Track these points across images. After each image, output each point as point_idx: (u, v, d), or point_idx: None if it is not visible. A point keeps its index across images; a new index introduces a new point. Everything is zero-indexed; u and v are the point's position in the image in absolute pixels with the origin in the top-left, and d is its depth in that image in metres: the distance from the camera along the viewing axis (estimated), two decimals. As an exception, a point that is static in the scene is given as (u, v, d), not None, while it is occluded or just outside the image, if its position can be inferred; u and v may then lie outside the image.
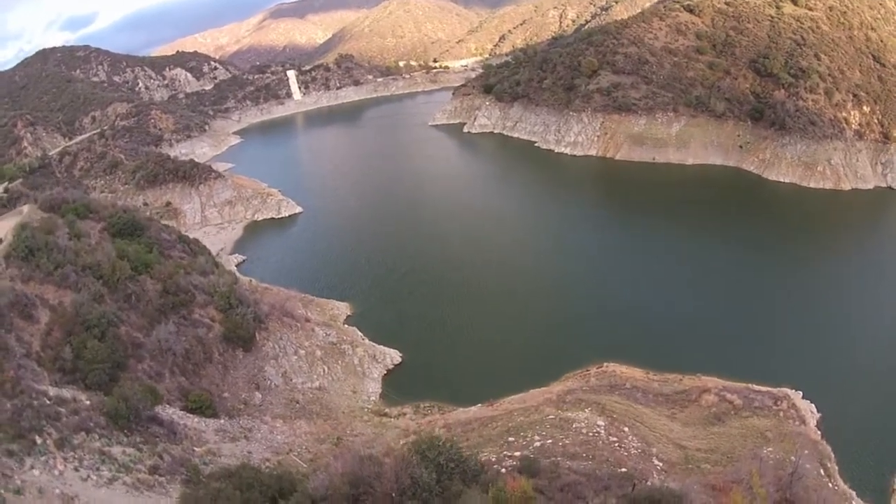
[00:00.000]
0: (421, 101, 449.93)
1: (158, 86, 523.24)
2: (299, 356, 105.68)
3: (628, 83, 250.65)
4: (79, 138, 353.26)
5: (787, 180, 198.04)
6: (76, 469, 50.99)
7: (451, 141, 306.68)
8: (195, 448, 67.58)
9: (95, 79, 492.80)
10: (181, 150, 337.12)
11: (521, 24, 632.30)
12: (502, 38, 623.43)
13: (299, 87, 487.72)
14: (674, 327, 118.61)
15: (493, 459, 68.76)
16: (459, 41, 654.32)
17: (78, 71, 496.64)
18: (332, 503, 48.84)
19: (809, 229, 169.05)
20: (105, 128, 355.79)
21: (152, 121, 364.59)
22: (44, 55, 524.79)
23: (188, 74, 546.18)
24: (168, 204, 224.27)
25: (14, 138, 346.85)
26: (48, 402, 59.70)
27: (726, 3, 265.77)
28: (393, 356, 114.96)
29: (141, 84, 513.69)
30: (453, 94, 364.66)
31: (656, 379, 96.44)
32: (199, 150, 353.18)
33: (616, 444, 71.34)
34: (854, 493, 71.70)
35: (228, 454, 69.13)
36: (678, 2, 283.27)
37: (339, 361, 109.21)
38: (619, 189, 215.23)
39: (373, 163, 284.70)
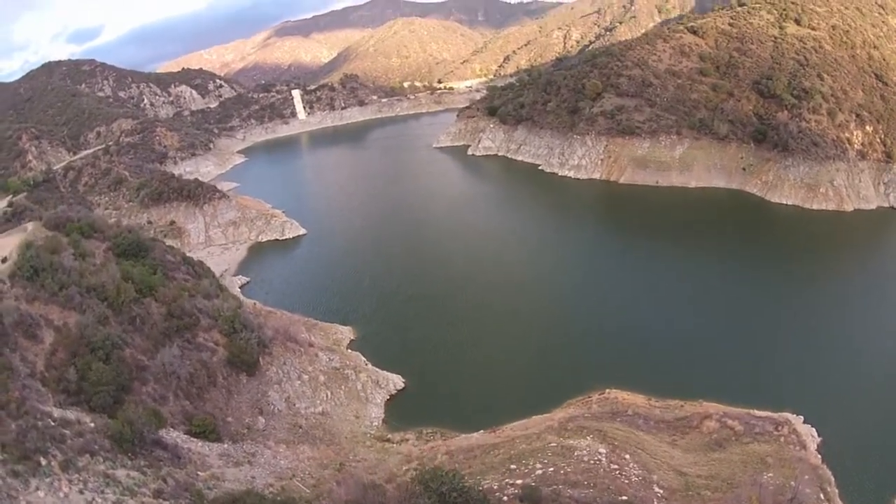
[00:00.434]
0: (425, 123, 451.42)
1: (164, 102, 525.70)
2: (303, 381, 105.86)
3: (632, 106, 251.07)
4: (83, 153, 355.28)
5: (789, 202, 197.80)
6: (81, 491, 51.00)
7: (456, 163, 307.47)
8: (199, 472, 67.74)
9: (101, 93, 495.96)
10: (186, 169, 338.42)
11: (526, 45, 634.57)
12: (507, 58, 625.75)
13: (304, 107, 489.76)
14: (676, 350, 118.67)
15: (496, 487, 69.07)
16: (464, 61, 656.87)
17: (83, 85, 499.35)
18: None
19: (812, 251, 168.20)
20: (110, 143, 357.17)
21: (157, 138, 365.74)
22: (49, 68, 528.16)
23: (193, 92, 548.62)
24: (172, 223, 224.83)
25: (19, 151, 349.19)
26: (53, 423, 59.84)
27: (730, 24, 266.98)
28: (396, 381, 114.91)
29: (146, 100, 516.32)
30: (458, 116, 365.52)
31: (658, 405, 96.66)
32: (203, 168, 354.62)
33: (617, 472, 71.52)
34: (855, 516, 72.33)
35: (232, 479, 69.29)
36: (682, 23, 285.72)
37: (343, 386, 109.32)
38: (623, 212, 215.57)
39: (377, 184, 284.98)
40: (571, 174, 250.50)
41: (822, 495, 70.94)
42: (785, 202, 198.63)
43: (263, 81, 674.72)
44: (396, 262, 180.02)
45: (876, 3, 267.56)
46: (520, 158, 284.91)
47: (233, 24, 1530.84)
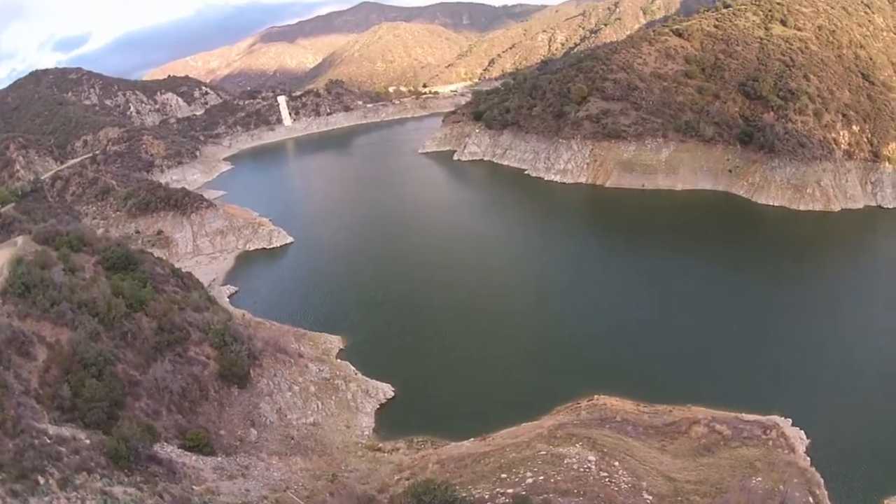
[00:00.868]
0: (411, 128, 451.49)
1: (150, 110, 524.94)
2: (293, 392, 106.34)
3: (618, 109, 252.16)
4: (70, 162, 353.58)
5: (776, 203, 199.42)
6: (79, 509, 51.76)
7: (441, 169, 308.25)
8: (194, 487, 68.20)
9: (87, 102, 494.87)
10: (172, 177, 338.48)
11: (511, 48, 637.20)
12: (492, 61, 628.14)
13: (290, 113, 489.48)
14: (664, 354, 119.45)
15: (487, 497, 69.69)
16: (449, 65, 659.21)
17: (70, 93, 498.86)
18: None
19: (799, 252, 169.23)
20: (97, 152, 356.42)
21: (144, 146, 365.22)
22: (36, 77, 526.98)
23: (179, 99, 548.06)
24: (160, 232, 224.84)
25: (6, 161, 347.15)
26: (49, 441, 60.19)
27: (715, 26, 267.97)
28: (385, 390, 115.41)
29: (132, 108, 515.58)
30: (443, 121, 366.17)
31: (646, 411, 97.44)
32: (190, 176, 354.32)
33: (607, 480, 72.20)
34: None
35: (227, 492, 69.80)
36: (667, 26, 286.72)
37: (333, 397, 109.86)
38: (609, 216, 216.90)
39: (363, 191, 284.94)
40: (558, 178, 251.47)
41: (811, 499, 71.81)
42: (772, 203, 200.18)
43: (249, 88, 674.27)
44: (384, 269, 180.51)
45: (862, 2, 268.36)
46: (506, 163, 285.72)
47: (218, 30, 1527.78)
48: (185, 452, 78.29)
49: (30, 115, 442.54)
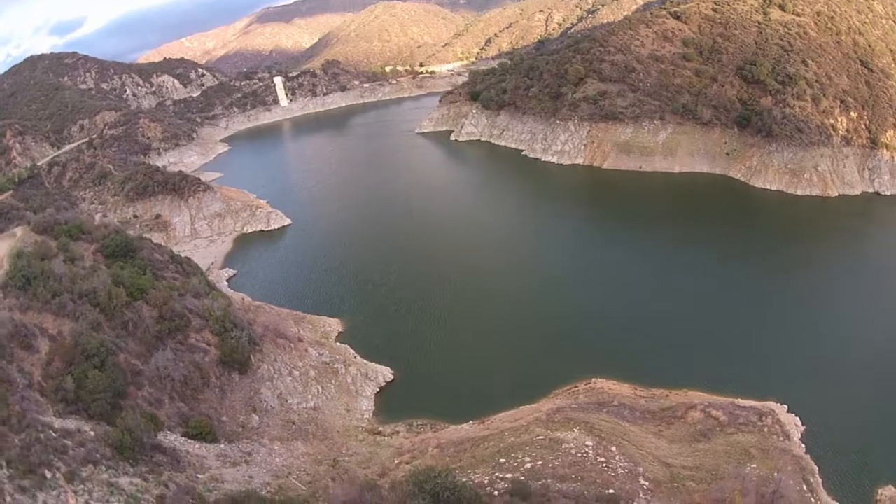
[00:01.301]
0: (407, 108, 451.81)
1: (146, 93, 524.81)
2: (294, 377, 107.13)
3: (615, 91, 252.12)
4: (67, 147, 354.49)
5: (773, 188, 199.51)
6: (87, 502, 52.50)
7: (439, 149, 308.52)
8: (198, 475, 69.08)
9: (83, 86, 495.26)
10: (169, 159, 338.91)
11: (507, 28, 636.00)
12: (488, 41, 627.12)
13: (286, 94, 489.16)
14: (661, 337, 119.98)
15: (486, 482, 70.69)
16: (445, 45, 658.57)
17: (66, 78, 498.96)
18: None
19: (797, 237, 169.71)
20: (94, 137, 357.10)
21: (140, 129, 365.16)
22: (32, 62, 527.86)
23: (175, 81, 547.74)
24: (158, 216, 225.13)
25: (3, 148, 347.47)
26: (54, 434, 60.86)
27: (713, 10, 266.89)
28: (385, 373, 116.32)
29: (129, 91, 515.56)
30: (440, 101, 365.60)
31: (643, 395, 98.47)
32: (187, 158, 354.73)
33: (604, 465, 73.28)
34: (837, 505, 74.14)
35: (230, 480, 70.69)
36: (665, 8, 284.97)
37: (333, 381, 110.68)
38: (606, 199, 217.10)
39: (360, 172, 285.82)
40: (555, 160, 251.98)
41: (804, 486, 72.91)
42: (769, 187, 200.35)
43: (245, 69, 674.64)
44: (381, 250, 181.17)
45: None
46: (503, 144, 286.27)
47: (214, 11, 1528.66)
48: (189, 440, 79.20)
49: (26, 101, 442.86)
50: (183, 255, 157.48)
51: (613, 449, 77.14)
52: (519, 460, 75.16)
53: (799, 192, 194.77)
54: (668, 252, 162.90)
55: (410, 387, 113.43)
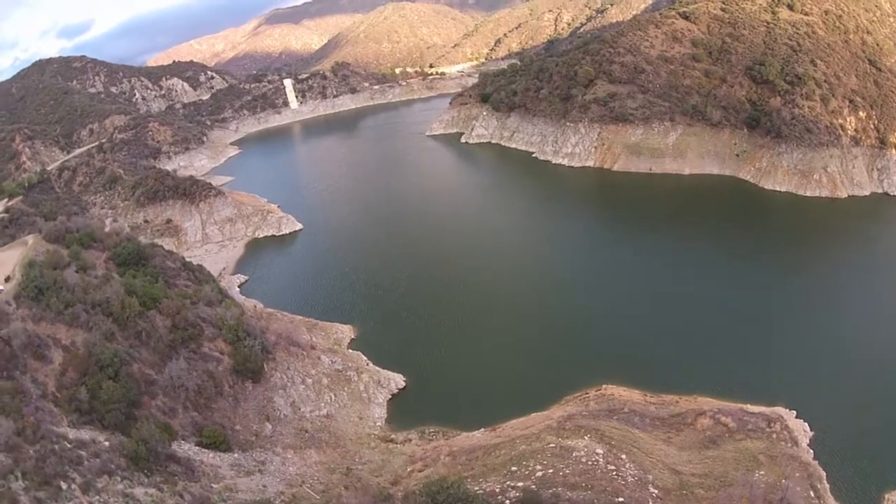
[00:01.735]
0: (418, 109, 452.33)
1: (155, 96, 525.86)
2: (306, 385, 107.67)
3: (625, 93, 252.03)
4: (77, 152, 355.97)
5: (783, 189, 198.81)
6: (103, 512, 53.15)
7: (449, 152, 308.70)
8: (213, 485, 69.63)
9: (92, 90, 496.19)
10: (180, 163, 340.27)
11: (517, 28, 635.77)
12: (498, 41, 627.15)
13: (296, 96, 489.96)
14: (671, 341, 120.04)
15: (498, 490, 71.20)
16: (455, 45, 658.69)
17: (75, 82, 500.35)
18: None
19: (806, 240, 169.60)
20: (103, 141, 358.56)
21: (150, 133, 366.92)
22: (41, 66, 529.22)
23: (185, 84, 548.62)
24: (168, 221, 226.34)
25: (13, 153, 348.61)
26: (69, 445, 61.54)
27: (722, 10, 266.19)
28: (397, 380, 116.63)
29: (138, 95, 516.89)
30: (450, 103, 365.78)
31: (653, 401, 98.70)
32: (197, 162, 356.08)
33: (614, 473, 73.60)
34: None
35: (245, 489, 71.22)
36: (674, 8, 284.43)
37: (345, 388, 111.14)
38: (617, 202, 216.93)
39: (371, 175, 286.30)
40: (565, 162, 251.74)
41: (812, 493, 73.08)
42: (778, 189, 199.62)
43: (255, 71, 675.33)
44: (393, 255, 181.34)
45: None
46: (513, 146, 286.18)
47: (223, 13, 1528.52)
48: (203, 450, 79.80)
49: (35, 105, 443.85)
50: (194, 260, 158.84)
51: (623, 457, 77.44)
52: (530, 468, 75.55)
53: (808, 194, 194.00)
54: (677, 255, 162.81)
55: (422, 393, 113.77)
